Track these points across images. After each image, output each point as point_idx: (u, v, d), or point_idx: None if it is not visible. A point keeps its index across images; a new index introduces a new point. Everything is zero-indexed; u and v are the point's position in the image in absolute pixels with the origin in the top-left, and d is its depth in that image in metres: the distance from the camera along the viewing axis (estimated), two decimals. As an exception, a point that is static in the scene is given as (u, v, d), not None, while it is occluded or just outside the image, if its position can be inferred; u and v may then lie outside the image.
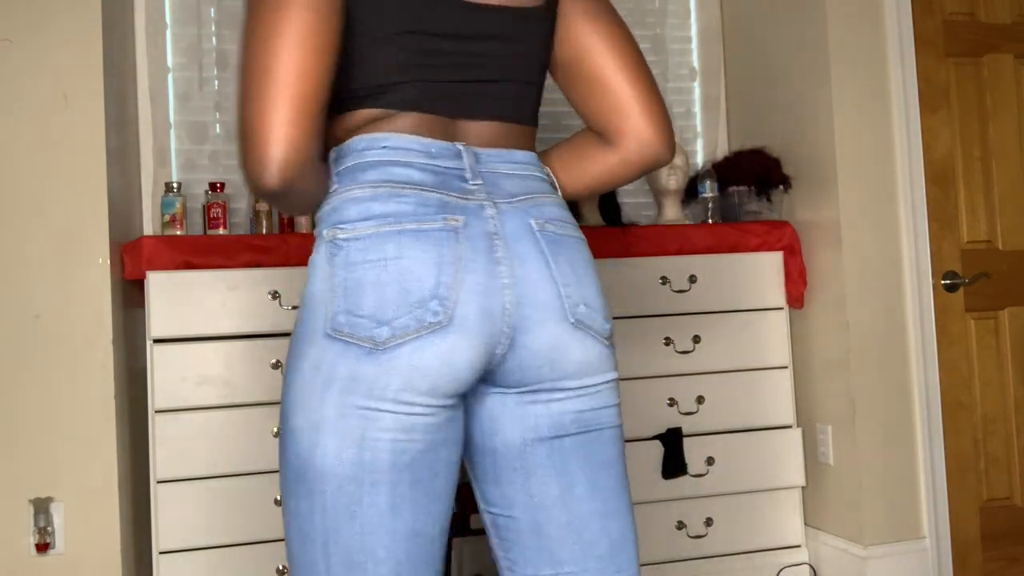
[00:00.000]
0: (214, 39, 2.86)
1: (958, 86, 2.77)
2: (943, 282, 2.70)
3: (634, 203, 3.18)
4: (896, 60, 2.69)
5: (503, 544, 1.16)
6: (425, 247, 1.02)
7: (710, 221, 2.87)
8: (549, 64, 1.22)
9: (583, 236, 1.17)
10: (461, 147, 1.09)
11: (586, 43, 1.19)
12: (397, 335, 1.00)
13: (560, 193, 1.23)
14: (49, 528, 2.19)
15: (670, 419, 2.65)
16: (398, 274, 1.01)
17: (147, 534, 2.40)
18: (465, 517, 2.45)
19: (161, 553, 2.28)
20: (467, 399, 1.12)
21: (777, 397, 2.75)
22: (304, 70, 0.97)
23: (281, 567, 2.34)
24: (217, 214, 2.60)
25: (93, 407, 2.23)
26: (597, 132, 1.22)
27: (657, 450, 2.62)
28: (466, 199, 1.06)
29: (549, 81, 1.25)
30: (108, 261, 2.27)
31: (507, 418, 1.11)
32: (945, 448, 2.67)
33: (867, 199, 2.67)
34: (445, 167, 1.07)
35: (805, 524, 2.79)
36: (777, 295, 2.77)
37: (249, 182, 1.01)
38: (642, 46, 1.22)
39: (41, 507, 2.19)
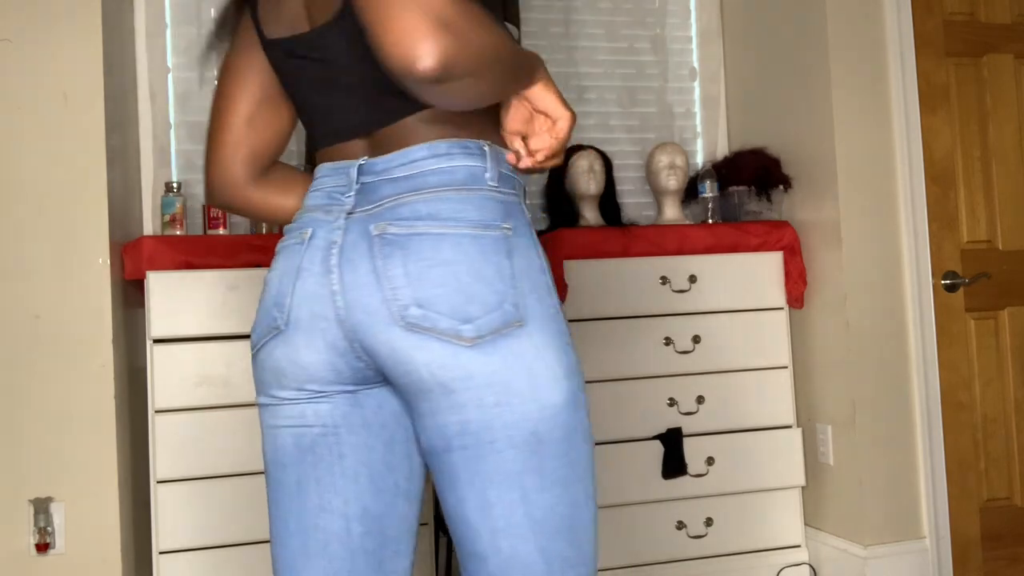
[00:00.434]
0: (214, 39, 2.86)
1: (958, 86, 2.77)
2: (943, 282, 2.70)
3: (634, 203, 3.18)
4: (896, 60, 2.69)
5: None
6: (282, 261, 1.13)
7: (710, 221, 2.87)
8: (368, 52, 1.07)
9: (463, 232, 1.04)
10: (356, 163, 1.10)
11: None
12: (259, 340, 1.14)
13: (489, 154, 1.10)
14: (49, 528, 2.19)
15: (670, 419, 2.65)
16: (266, 287, 1.16)
17: (147, 534, 2.40)
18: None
19: (161, 553, 2.28)
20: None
21: (777, 397, 2.75)
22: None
23: (281, 567, 2.34)
24: (217, 214, 2.60)
25: (93, 407, 2.23)
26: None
27: (657, 450, 2.62)
28: (328, 213, 1.11)
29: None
30: (108, 261, 2.27)
31: (416, 424, 1.09)
32: (945, 448, 2.67)
33: (867, 199, 2.66)
34: (332, 186, 1.12)
35: (805, 524, 2.79)
36: (777, 295, 2.77)
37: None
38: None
39: (41, 507, 2.19)
